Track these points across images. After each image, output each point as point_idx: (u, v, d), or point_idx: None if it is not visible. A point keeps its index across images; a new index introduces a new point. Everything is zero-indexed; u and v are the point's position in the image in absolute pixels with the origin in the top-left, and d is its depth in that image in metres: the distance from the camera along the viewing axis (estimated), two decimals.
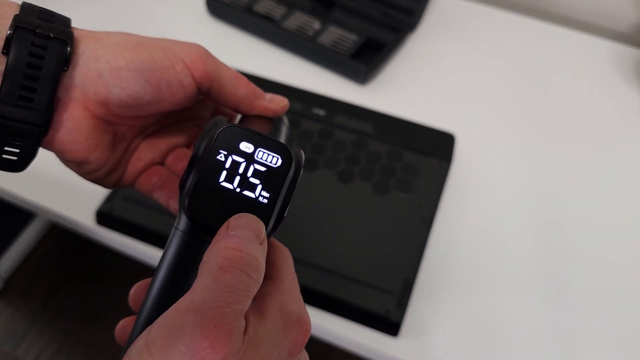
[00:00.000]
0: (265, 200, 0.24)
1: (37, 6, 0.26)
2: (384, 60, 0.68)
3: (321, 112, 0.62)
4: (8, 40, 0.23)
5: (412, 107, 0.65)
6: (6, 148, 0.24)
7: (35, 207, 0.58)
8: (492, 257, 0.53)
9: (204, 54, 0.28)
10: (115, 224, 0.53)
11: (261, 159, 0.24)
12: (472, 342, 0.48)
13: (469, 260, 0.52)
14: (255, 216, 0.23)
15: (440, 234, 0.54)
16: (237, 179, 0.24)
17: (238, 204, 0.24)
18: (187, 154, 0.33)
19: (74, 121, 0.26)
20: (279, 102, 0.30)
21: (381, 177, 0.56)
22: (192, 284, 0.21)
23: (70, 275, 1.32)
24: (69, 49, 0.25)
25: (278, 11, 0.73)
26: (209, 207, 0.23)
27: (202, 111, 0.32)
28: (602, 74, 0.70)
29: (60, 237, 1.39)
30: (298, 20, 0.72)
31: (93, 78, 0.25)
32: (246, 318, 0.20)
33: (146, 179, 0.31)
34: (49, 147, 0.26)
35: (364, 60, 0.68)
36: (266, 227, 0.23)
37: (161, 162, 0.32)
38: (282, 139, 0.30)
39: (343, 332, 0.48)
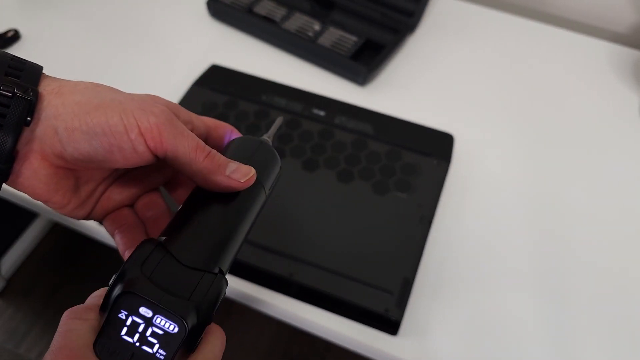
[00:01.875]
0: (161, 357, 0.25)
1: (9, 56, 0.27)
2: (384, 61, 0.68)
3: (321, 113, 0.62)
4: None
5: (411, 108, 0.65)
6: None
7: (36, 206, 0.58)
8: (490, 256, 0.53)
9: (163, 123, 0.27)
10: None
11: (159, 324, 0.26)
12: (471, 341, 0.48)
13: (468, 260, 0.53)
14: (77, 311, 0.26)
15: (439, 234, 0.54)
16: (137, 335, 0.26)
17: (137, 355, 0.26)
18: (158, 200, 0.34)
19: (32, 170, 0.27)
20: (241, 176, 0.29)
21: (381, 177, 0.57)
22: None
23: (72, 274, 1.32)
24: (31, 105, 0.25)
25: (278, 12, 0.73)
26: (112, 352, 0.26)
27: None
28: (601, 75, 0.70)
29: (62, 236, 1.39)
30: (298, 21, 0.72)
31: (50, 133, 0.26)
32: None
33: (112, 220, 0.32)
34: (12, 187, 0.28)
35: (364, 61, 0.68)
36: None
37: (132, 204, 0.33)
38: (246, 211, 0.30)
39: (343, 331, 0.48)
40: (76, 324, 0.25)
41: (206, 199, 0.30)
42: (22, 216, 1.35)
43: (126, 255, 0.31)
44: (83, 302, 0.27)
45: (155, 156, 0.28)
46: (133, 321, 0.25)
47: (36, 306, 1.28)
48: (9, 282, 1.31)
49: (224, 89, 0.65)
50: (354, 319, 0.49)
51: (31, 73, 0.27)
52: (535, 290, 0.51)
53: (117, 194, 0.32)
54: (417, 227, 0.53)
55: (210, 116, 0.62)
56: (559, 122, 0.65)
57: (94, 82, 0.29)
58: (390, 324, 0.48)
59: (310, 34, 0.71)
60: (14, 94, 0.25)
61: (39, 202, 0.56)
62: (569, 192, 0.59)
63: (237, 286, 0.51)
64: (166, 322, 0.25)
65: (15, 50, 0.70)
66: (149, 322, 0.25)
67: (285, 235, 0.52)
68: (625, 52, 0.73)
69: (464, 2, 0.80)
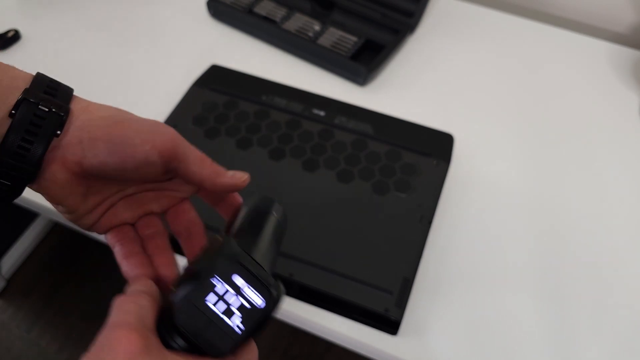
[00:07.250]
0: (239, 332, 0.26)
1: (47, 78, 0.31)
2: (384, 62, 0.68)
3: (321, 113, 0.62)
4: (16, 108, 0.29)
5: (411, 108, 0.65)
6: None
7: (37, 206, 0.58)
8: (490, 256, 0.53)
9: (175, 139, 0.32)
10: None
11: (248, 296, 0.27)
12: (471, 341, 0.48)
13: (467, 260, 0.53)
14: (145, 286, 0.29)
15: (439, 234, 0.54)
16: (222, 304, 0.26)
17: (214, 325, 0.26)
18: (157, 221, 0.37)
19: (52, 173, 0.31)
20: (239, 178, 0.34)
21: (381, 177, 0.57)
22: None
23: (72, 274, 1.32)
24: (63, 120, 0.30)
25: (278, 13, 0.73)
26: (189, 317, 0.26)
27: (181, 186, 0.36)
28: (601, 75, 0.70)
29: (62, 236, 1.39)
30: (298, 21, 0.72)
31: (74, 143, 0.31)
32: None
33: (115, 233, 0.35)
34: (32, 188, 0.32)
35: (364, 62, 0.68)
36: (229, 352, 0.26)
37: (133, 223, 0.36)
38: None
39: (343, 331, 0.49)
40: (132, 306, 0.26)
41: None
42: (22, 216, 1.35)
43: (123, 263, 0.34)
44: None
45: (166, 171, 0.32)
46: (223, 288, 0.26)
47: (36, 306, 1.28)
48: (9, 282, 1.31)
49: (224, 89, 0.65)
50: (354, 318, 0.49)
51: (64, 93, 0.31)
52: (535, 290, 0.51)
53: (123, 212, 0.35)
54: (417, 227, 0.53)
55: (210, 116, 0.62)
56: (558, 122, 0.65)
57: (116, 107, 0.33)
58: (390, 324, 0.48)
59: (310, 34, 0.71)
60: (50, 109, 0.30)
61: (40, 203, 0.56)
62: (568, 192, 0.59)
63: None
64: (256, 294, 0.27)
65: (15, 50, 0.71)
66: (238, 291, 0.26)
67: (285, 235, 0.52)
68: (625, 52, 0.73)
69: (464, 2, 0.80)
